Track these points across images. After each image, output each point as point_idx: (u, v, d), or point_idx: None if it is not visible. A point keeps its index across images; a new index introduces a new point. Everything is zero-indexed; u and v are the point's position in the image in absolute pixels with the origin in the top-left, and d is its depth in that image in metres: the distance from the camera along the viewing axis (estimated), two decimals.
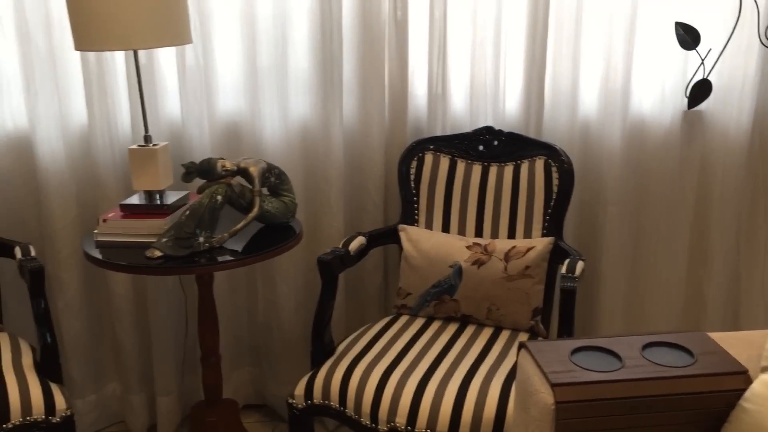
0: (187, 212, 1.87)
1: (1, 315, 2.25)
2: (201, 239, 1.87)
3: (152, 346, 2.49)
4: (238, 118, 2.41)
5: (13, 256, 2.14)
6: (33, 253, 2.10)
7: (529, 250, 2.13)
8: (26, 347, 2.09)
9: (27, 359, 2.02)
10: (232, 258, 1.87)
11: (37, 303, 1.99)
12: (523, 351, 1.56)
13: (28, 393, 1.87)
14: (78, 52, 2.23)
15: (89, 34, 1.81)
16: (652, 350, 1.52)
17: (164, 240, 1.85)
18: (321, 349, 2.08)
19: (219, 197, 1.89)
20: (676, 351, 1.52)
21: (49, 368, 2.00)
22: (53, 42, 2.23)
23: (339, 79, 2.32)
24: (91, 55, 2.22)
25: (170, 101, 2.36)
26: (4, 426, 1.82)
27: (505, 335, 2.13)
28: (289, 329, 2.54)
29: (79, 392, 2.49)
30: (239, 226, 1.92)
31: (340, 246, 2.16)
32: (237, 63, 2.35)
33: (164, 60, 2.31)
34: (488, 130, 2.30)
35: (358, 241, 2.21)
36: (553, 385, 1.40)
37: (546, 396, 1.41)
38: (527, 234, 2.23)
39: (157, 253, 1.83)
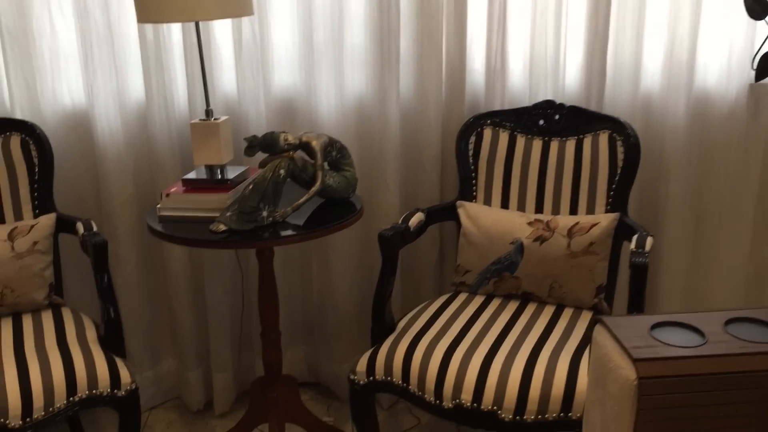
0: (251, 186, 1.86)
1: (63, 291, 2.27)
2: (264, 213, 1.86)
3: (209, 323, 2.50)
4: (293, 94, 2.39)
5: (74, 231, 2.15)
6: (95, 228, 2.11)
7: (593, 226, 2.08)
8: (89, 322, 2.10)
9: (91, 334, 2.03)
10: (295, 233, 1.86)
11: (100, 277, 2.00)
12: (599, 326, 1.52)
13: (94, 366, 1.88)
14: (135, 28, 2.23)
15: (152, 6, 1.80)
16: (735, 326, 1.47)
17: (228, 214, 1.84)
18: (381, 325, 2.06)
19: (282, 171, 1.88)
20: (760, 327, 1.47)
21: (113, 342, 2.01)
22: (111, 18, 2.23)
23: (396, 53, 2.29)
24: (149, 30, 2.21)
25: (226, 76, 2.35)
26: (71, 399, 1.84)
27: (568, 313, 2.09)
28: (344, 308, 2.53)
29: (137, 368, 2.51)
30: (302, 200, 1.91)
31: (399, 222, 2.14)
32: (292, 37, 2.32)
33: (220, 34, 2.30)
34: (549, 104, 2.25)
35: (418, 218, 2.18)
36: (635, 360, 1.36)
37: (627, 371, 1.37)
38: (590, 210, 2.18)
39: (222, 227, 1.82)
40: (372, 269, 2.46)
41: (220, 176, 2.00)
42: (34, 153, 2.24)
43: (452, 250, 2.44)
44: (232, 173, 2.02)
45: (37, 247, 2.12)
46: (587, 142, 2.20)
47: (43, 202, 2.25)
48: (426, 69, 2.33)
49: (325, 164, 1.99)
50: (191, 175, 2.02)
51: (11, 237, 2.08)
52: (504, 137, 2.29)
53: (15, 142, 2.22)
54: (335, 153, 2.01)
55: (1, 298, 2.05)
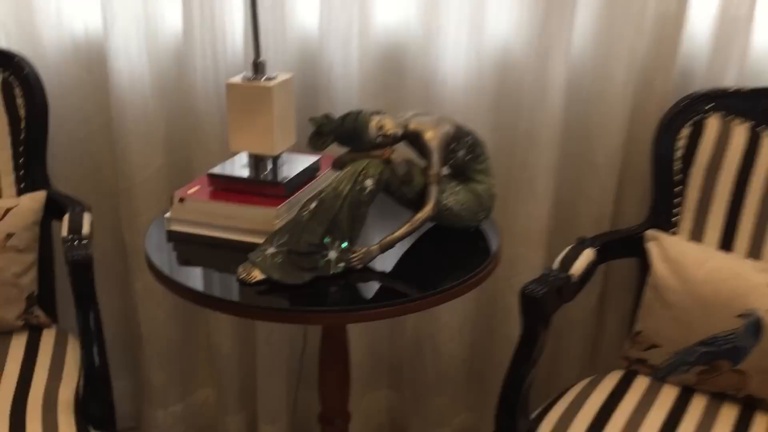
0: (314, 204, 1.07)
1: (54, 304, 1.59)
2: (332, 255, 1.07)
3: (257, 352, 1.78)
4: (402, 39, 1.56)
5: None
6: (86, 228, 1.40)
7: None
8: (74, 362, 1.42)
9: (68, 387, 1.35)
10: (381, 303, 1.06)
11: (82, 311, 1.30)
12: None
13: None
14: None
15: None
16: None
17: (271, 251, 1.07)
18: (511, 425, 1.27)
19: (369, 183, 1.08)
20: None
21: (95, 403, 1.33)
22: None
23: None
24: None
25: (303, 10, 1.55)
26: None
27: None
28: (449, 351, 1.75)
29: (161, 400, 1.84)
30: (399, 233, 1.11)
31: (556, 265, 1.31)
32: None
33: None
34: None
35: (585, 258, 1.34)
36: None
37: None
38: None
39: (257, 275, 1.05)
40: (495, 301, 1.67)
41: (270, 174, 1.22)
42: (20, 101, 1.54)
43: (622, 299, 1.60)
44: (292, 168, 1.24)
45: (11, 243, 1.44)
46: None
47: (30, 174, 1.56)
48: (618, 11, 1.44)
49: (444, 169, 1.16)
50: (223, 168, 1.25)
51: None
52: (740, 134, 1.39)
53: None
54: (463, 152, 1.18)
55: None
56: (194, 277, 1.11)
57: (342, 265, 1.07)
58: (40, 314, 1.51)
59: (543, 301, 1.21)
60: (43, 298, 1.54)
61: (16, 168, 1.55)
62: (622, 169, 1.55)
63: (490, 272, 1.14)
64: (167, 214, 1.21)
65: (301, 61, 1.57)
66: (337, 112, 1.53)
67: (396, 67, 1.57)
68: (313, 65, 1.56)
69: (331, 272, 1.07)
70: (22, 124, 1.54)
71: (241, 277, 1.05)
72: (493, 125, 1.56)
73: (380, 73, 1.56)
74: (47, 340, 1.48)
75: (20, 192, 1.55)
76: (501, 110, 1.56)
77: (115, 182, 1.68)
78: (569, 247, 1.35)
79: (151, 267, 1.12)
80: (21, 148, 1.55)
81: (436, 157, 1.11)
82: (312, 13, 1.54)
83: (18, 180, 1.56)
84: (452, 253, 1.19)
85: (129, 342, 1.83)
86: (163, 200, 1.66)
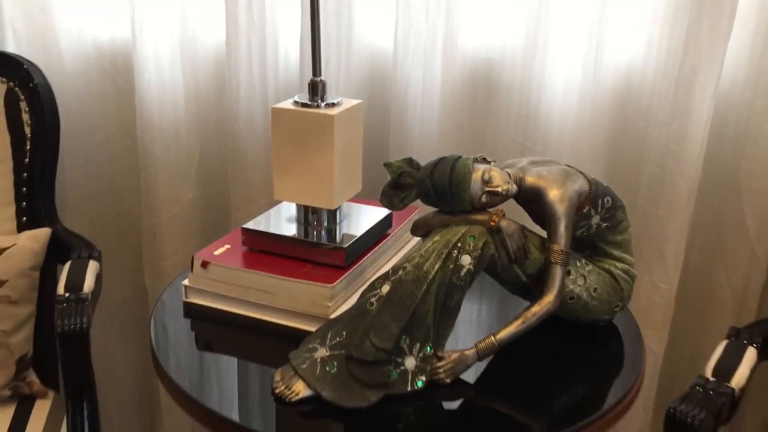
0: (386, 287, 0.75)
1: (56, 368, 1.29)
2: (409, 364, 0.74)
3: None
4: (498, 55, 1.23)
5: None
6: (88, 284, 1.10)
7: None
8: None
9: None
10: None
11: (72, 392, 1.00)
12: None
13: None
14: None
15: None
16: None
17: (320, 355, 0.74)
18: None
19: (467, 261, 0.75)
20: None
21: None
22: None
23: None
24: None
25: (375, 18, 1.23)
26: None
27: None
28: None
29: None
30: (506, 333, 0.77)
31: (709, 372, 0.95)
32: None
33: None
34: None
35: (748, 362, 0.98)
36: None
37: None
38: None
39: (300, 389, 0.73)
40: None
41: (323, 235, 0.90)
42: (26, 116, 1.26)
43: (764, 400, 1.24)
44: (352, 226, 0.92)
45: (2, 292, 1.16)
46: None
47: (34, 206, 1.28)
48: None
49: (567, 237, 0.82)
50: (261, 223, 0.93)
51: None
52: None
53: None
54: (598, 219, 0.83)
55: None
56: (209, 382, 0.80)
57: (424, 378, 0.74)
58: (34, 381, 1.22)
59: (701, 430, 0.86)
60: (41, 360, 1.25)
61: (18, 198, 1.28)
62: None
63: (635, 396, 0.79)
64: (185, 281, 0.90)
65: (369, 81, 1.26)
66: (414, 146, 1.22)
67: (487, 91, 1.24)
68: (384, 86, 1.25)
69: (409, 389, 0.74)
70: (28, 145, 1.26)
71: (277, 391, 0.73)
72: (609, 170, 1.22)
73: (468, 98, 1.24)
74: (39, 414, 1.18)
75: (21, 228, 1.27)
76: (621, 150, 1.22)
77: (137, 218, 1.39)
78: (723, 344, 1.00)
79: (157, 365, 0.81)
80: (24, 174, 1.27)
81: (563, 227, 0.77)
82: (386, 23, 1.22)
83: (19, 213, 1.28)
84: (573, 355, 0.85)
85: (147, 404, 1.54)
86: (192, 243, 1.37)
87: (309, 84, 0.86)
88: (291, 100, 0.87)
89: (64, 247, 1.24)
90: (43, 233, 1.24)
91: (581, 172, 0.82)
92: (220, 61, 1.30)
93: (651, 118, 1.17)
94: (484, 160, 0.79)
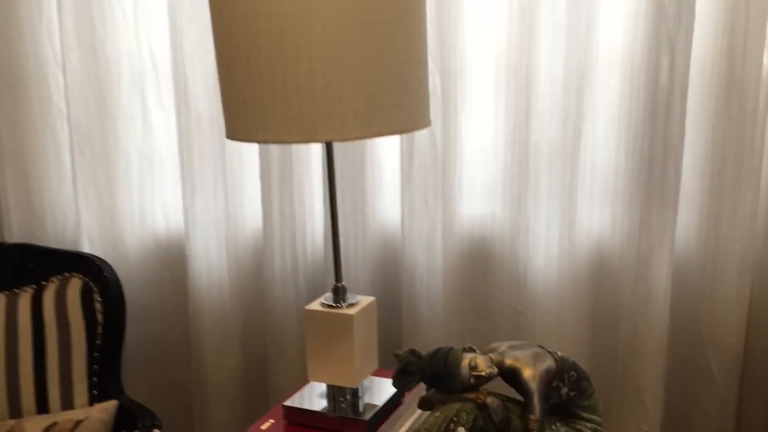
0: None
1: None
2: None
3: None
4: (489, 236, 1.47)
5: None
6: None
7: None
8: None
9: None
10: None
11: None
12: None
13: None
14: None
15: (260, 119, 0.95)
16: None
17: None
18: None
19: None
20: None
21: None
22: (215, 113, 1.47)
23: (674, 178, 1.31)
24: None
25: (386, 201, 1.49)
26: None
27: None
28: None
29: None
30: None
31: None
32: (494, 143, 1.42)
33: (379, 141, 1.45)
34: None
35: None
36: None
37: None
38: None
39: None
40: None
41: (348, 409, 1.11)
42: (98, 305, 1.51)
43: None
44: (373, 397, 1.13)
45: None
46: None
47: (104, 381, 1.50)
48: (727, 208, 1.32)
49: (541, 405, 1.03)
50: (298, 400, 1.14)
51: None
52: None
53: (74, 288, 1.50)
54: (566, 389, 1.04)
55: None
56: None
57: None
58: None
59: None
60: None
61: (90, 375, 1.50)
62: (743, 380, 1.37)
63: None
64: None
65: (383, 258, 1.50)
66: (421, 314, 1.45)
67: (482, 265, 1.47)
68: (395, 262, 1.49)
69: None
70: (99, 329, 1.50)
71: None
72: (591, 328, 1.42)
73: (465, 272, 1.47)
74: None
75: (92, 400, 1.49)
76: (598, 312, 1.42)
77: (188, 385, 1.60)
78: None
79: None
80: (96, 354, 1.50)
81: (536, 400, 0.98)
82: (393, 210, 1.48)
83: (90, 387, 1.50)
84: None
85: None
86: (236, 407, 1.58)
87: (332, 289, 1.10)
88: (319, 302, 1.11)
89: (129, 417, 1.45)
90: (112, 405, 1.46)
91: (550, 352, 1.03)
92: (258, 248, 1.55)
93: (621, 285, 1.39)
94: (471, 349, 1.01)
